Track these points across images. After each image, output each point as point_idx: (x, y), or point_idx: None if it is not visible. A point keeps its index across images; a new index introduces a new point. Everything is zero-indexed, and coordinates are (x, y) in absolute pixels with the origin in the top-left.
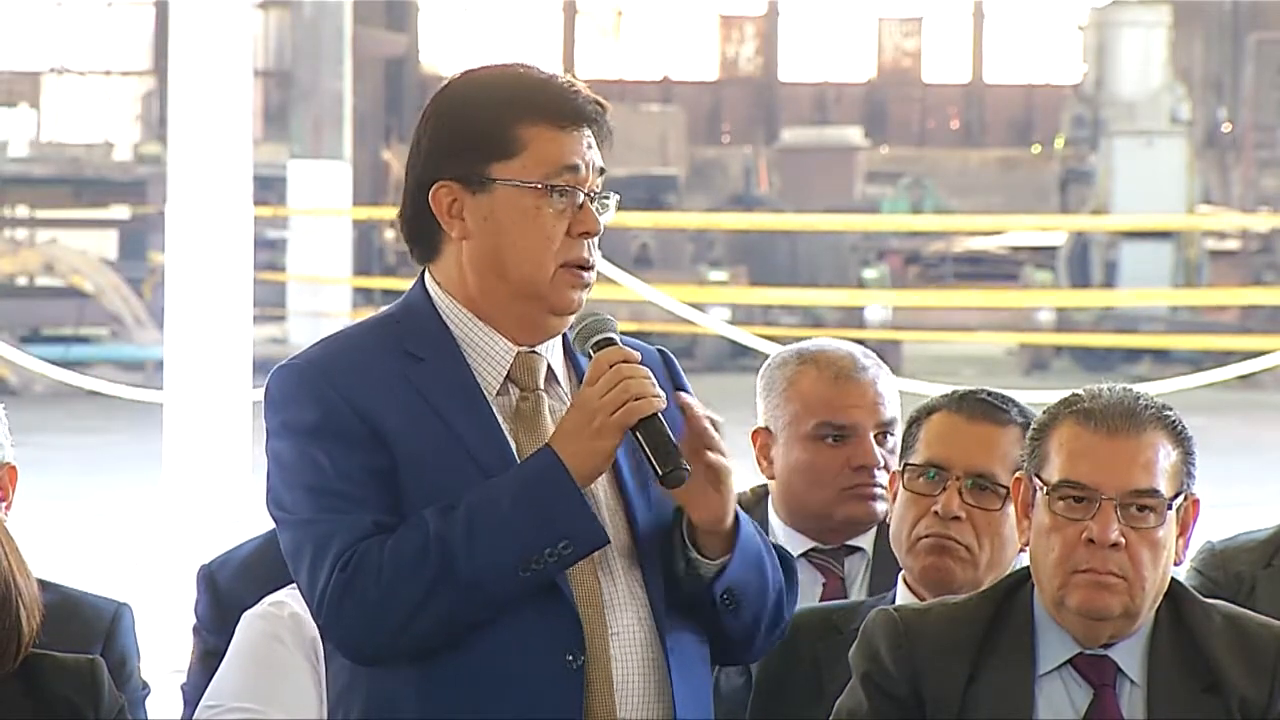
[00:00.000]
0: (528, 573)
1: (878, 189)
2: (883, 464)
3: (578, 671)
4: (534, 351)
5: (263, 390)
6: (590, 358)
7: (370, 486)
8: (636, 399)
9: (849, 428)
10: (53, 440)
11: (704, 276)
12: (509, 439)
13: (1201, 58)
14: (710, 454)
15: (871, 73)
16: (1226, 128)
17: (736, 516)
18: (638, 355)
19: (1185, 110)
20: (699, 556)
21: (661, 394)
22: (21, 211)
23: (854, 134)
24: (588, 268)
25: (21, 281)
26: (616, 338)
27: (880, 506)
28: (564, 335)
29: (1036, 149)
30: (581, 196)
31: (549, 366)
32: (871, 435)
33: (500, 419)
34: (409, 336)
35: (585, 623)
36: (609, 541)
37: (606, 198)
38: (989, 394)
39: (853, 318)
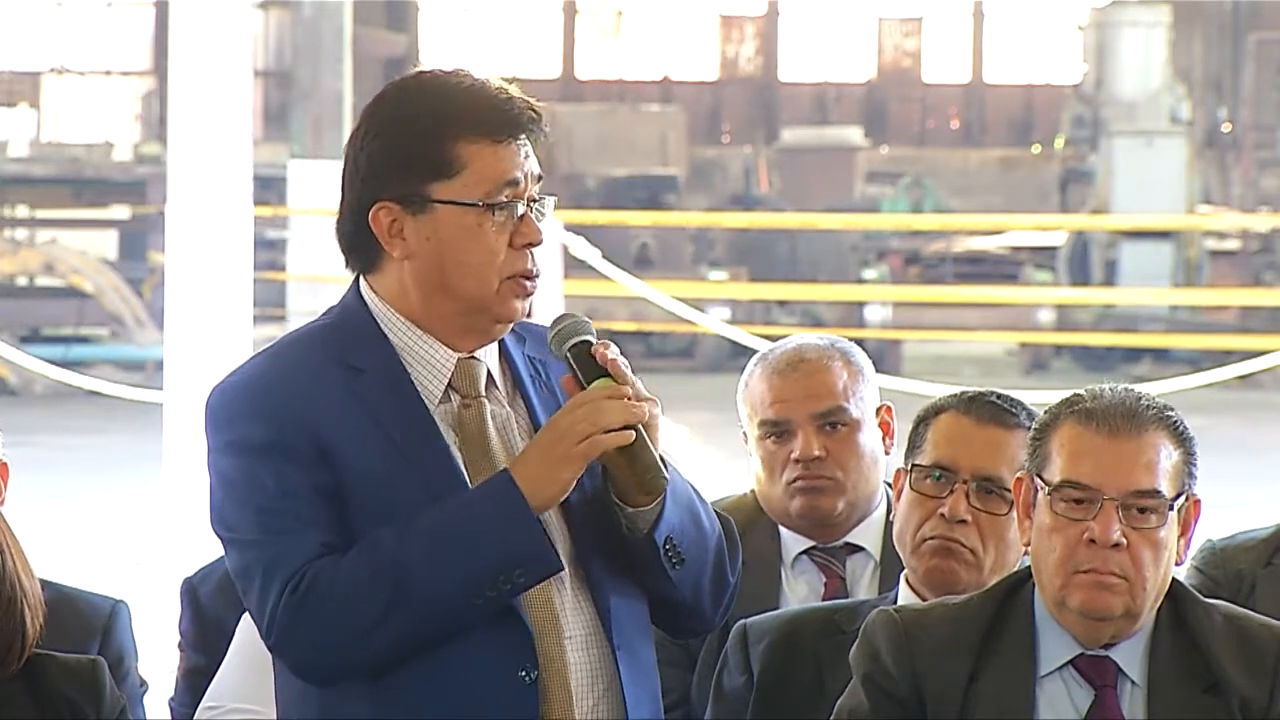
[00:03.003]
0: (481, 600)
1: (878, 189)
2: (823, 453)
3: (532, 686)
4: (473, 357)
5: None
6: (567, 361)
7: (317, 506)
8: (605, 431)
9: (783, 423)
10: (53, 440)
11: (704, 276)
12: (453, 449)
13: (1201, 58)
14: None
15: (871, 73)
16: (1226, 128)
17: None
18: (626, 388)
19: (1185, 110)
20: (632, 509)
21: (641, 413)
22: (21, 211)
23: (854, 134)
24: (531, 277)
25: (21, 281)
26: (593, 339)
27: (831, 499)
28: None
29: (1036, 149)
30: (522, 208)
31: (488, 371)
32: (812, 426)
33: (443, 428)
34: (348, 348)
35: (540, 634)
36: (563, 569)
37: (543, 203)
38: (998, 396)
39: (853, 317)
